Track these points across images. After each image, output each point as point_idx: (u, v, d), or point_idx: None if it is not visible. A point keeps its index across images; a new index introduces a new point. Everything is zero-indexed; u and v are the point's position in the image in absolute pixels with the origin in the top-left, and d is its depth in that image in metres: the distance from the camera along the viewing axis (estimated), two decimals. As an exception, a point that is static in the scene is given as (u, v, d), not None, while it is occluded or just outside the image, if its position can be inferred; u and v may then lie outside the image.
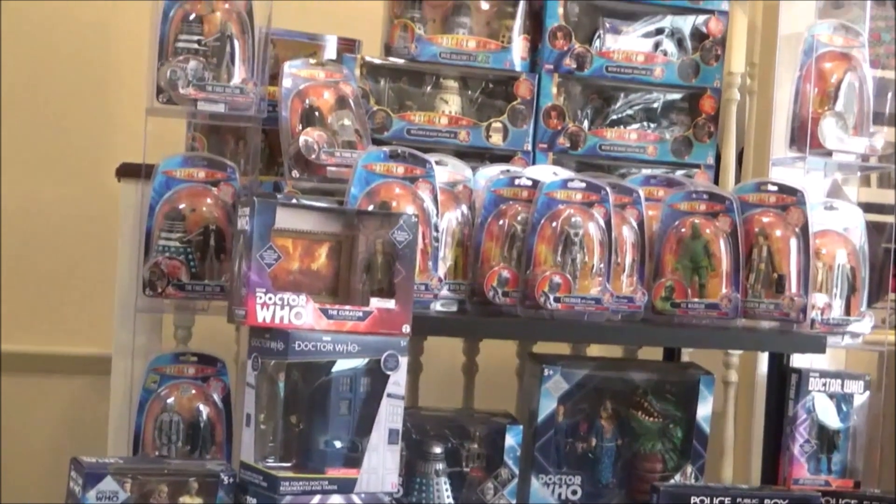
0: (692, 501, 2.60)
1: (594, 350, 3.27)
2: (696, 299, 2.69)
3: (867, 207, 3.24)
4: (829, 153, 2.85)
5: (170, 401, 2.58)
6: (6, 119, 3.77)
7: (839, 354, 3.15)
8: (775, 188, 2.74)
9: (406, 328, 2.32)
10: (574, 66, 2.94)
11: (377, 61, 2.90)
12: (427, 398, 3.12)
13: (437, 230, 2.55)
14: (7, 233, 3.76)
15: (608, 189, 2.61)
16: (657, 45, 3.02)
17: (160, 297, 2.58)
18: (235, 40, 2.65)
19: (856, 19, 3.15)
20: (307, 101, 2.67)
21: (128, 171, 2.81)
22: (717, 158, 3.24)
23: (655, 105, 3.07)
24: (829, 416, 2.79)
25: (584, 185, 2.60)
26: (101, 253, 3.16)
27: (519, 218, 2.61)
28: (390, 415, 2.30)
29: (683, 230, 2.71)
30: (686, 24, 3.03)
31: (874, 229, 3.15)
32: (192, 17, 2.62)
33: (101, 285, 3.00)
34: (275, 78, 2.76)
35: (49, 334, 3.81)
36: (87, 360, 3.70)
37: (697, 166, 3.03)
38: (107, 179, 2.98)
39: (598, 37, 2.99)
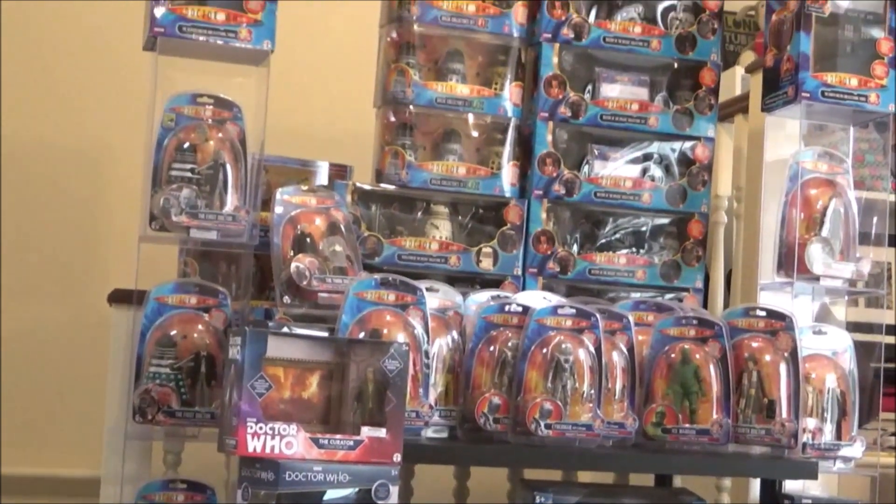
0: None
1: (585, 476, 3.26)
2: (686, 425, 2.69)
3: (855, 327, 3.25)
4: (816, 278, 2.87)
5: (159, 529, 2.56)
6: (5, 244, 3.80)
7: (831, 479, 3.14)
8: (764, 313, 2.75)
9: (397, 457, 2.31)
10: (563, 191, 2.98)
11: (368, 187, 2.93)
12: (417, 524, 3.10)
13: (427, 357, 2.56)
14: (4, 354, 3.77)
15: (598, 315, 2.63)
16: (645, 171, 3.07)
17: (150, 423, 2.58)
18: (228, 168, 2.68)
19: (839, 141, 3.20)
20: (299, 228, 2.70)
21: (119, 297, 2.82)
22: (706, 280, 3.26)
23: (644, 229, 3.10)
24: (822, 542, 2.78)
25: (573, 311, 2.62)
26: (93, 376, 3.16)
27: (509, 344, 2.62)
28: (381, 545, 2.28)
29: (673, 356, 2.72)
30: (673, 149, 3.08)
31: (863, 349, 3.16)
32: (185, 145, 2.65)
33: (94, 408, 3.00)
34: (267, 203, 2.79)
35: (41, 456, 3.79)
36: (79, 482, 3.67)
37: (686, 290, 3.05)
38: (99, 304, 2.99)
39: (587, 162, 3.03)
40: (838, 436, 2.80)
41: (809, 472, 2.71)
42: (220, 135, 2.68)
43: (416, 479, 3.17)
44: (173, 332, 2.60)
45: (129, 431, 2.61)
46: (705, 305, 3.22)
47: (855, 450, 2.80)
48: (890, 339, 3.52)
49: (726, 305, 3.51)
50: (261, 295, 2.93)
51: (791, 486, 2.84)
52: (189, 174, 2.64)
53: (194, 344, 2.60)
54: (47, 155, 3.86)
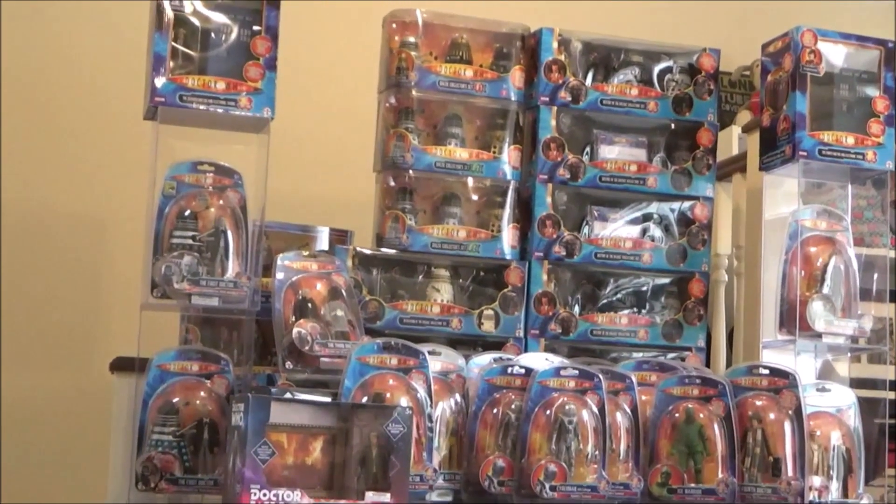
0: None
1: (591, 537, 3.23)
2: (692, 485, 2.68)
3: (859, 383, 3.25)
4: (818, 336, 2.87)
5: None
6: (6, 311, 3.81)
7: (839, 537, 3.12)
8: (767, 371, 2.75)
9: (401, 522, 2.30)
10: (563, 253, 2.99)
11: (369, 252, 2.94)
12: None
13: (431, 420, 2.55)
14: (5, 422, 3.77)
15: (601, 376, 2.63)
16: (645, 231, 3.08)
17: (153, 491, 2.57)
18: (229, 234, 2.69)
19: (838, 199, 3.21)
20: (300, 293, 2.70)
21: (122, 365, 2.82)
22: (708, 339, 3.26)
23: (645, 289, 3.10)
24: None
25: (576, 372, 2.62)
26: (96, 444, 3.16)
27: (513, 406, 2.61)
28: None
29: (677, 415, 2.72)
30: (672, 209, 3.09)
31: (867, 405, 3.15)
32: (186, 213, 2.66)
33: (96, 476, 2.99)
34: (268, 269, 2.79)
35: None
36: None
37: (688, 349, 3.05)
38: (101, 372, 2.99)
39: (587, 224, 3.05)
40: (844, 493, 2.79)
41: (816, 530, 2.70)
42: (221, 202, 2.69)
43: (420, 544, 3.15)
44: (176, 400, 2.60)
45: (132, 499, 2.60)
46: (708, 364, 3.22)
47: (862, 507, 2.79)
48: (893, 395, 3.52)
49: (729, 364, 3.51)
50: (263, 361, 2.93)
51: (798, 545, 2.82)
52: (190, 241, 2.65)
53: (197, 411, 2.60)
54: (49, 223, 3.88)
